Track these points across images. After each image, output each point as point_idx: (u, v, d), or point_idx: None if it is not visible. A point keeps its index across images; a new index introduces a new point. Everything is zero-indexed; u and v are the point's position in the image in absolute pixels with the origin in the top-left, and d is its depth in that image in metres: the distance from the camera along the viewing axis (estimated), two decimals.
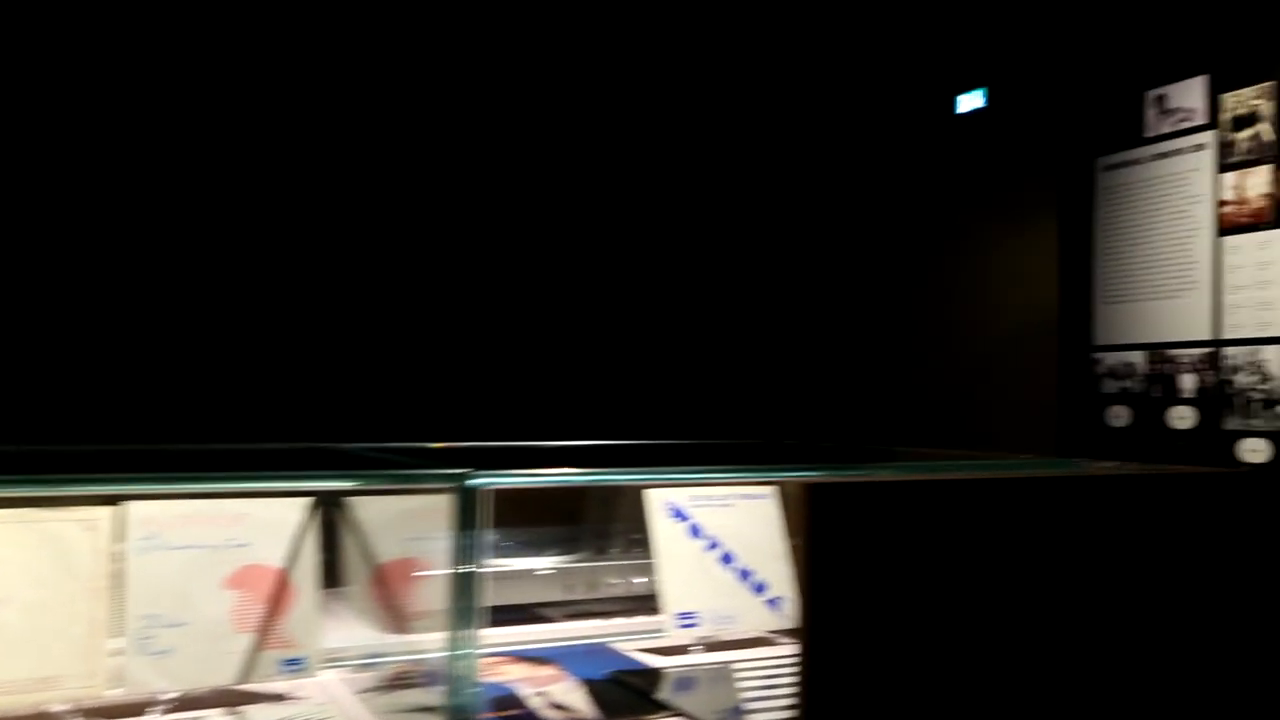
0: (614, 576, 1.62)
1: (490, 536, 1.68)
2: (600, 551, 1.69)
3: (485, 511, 0.96)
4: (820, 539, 1.04)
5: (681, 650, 1.44)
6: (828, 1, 3.38)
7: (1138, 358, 2.67)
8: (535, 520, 1.68)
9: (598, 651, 1.48)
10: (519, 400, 3.05)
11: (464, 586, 0.94)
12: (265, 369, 2.58)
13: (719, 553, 1.48)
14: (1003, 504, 1.05)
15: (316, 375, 2.64)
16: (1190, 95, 2.56)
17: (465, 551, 0.95)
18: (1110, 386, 2.74)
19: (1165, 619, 1.15)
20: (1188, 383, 2.55)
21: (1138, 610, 1.13)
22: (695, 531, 1.48)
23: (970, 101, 2.98)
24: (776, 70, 3.55)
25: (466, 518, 0.94)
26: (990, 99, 2.96)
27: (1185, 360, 2.56)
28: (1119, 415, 2.71)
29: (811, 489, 1.05)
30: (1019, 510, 1.05)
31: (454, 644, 0.94)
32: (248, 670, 1.25)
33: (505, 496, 1.06)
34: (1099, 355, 2.77)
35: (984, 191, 3.13)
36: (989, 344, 3.10)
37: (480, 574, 0.94)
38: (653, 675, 1.37)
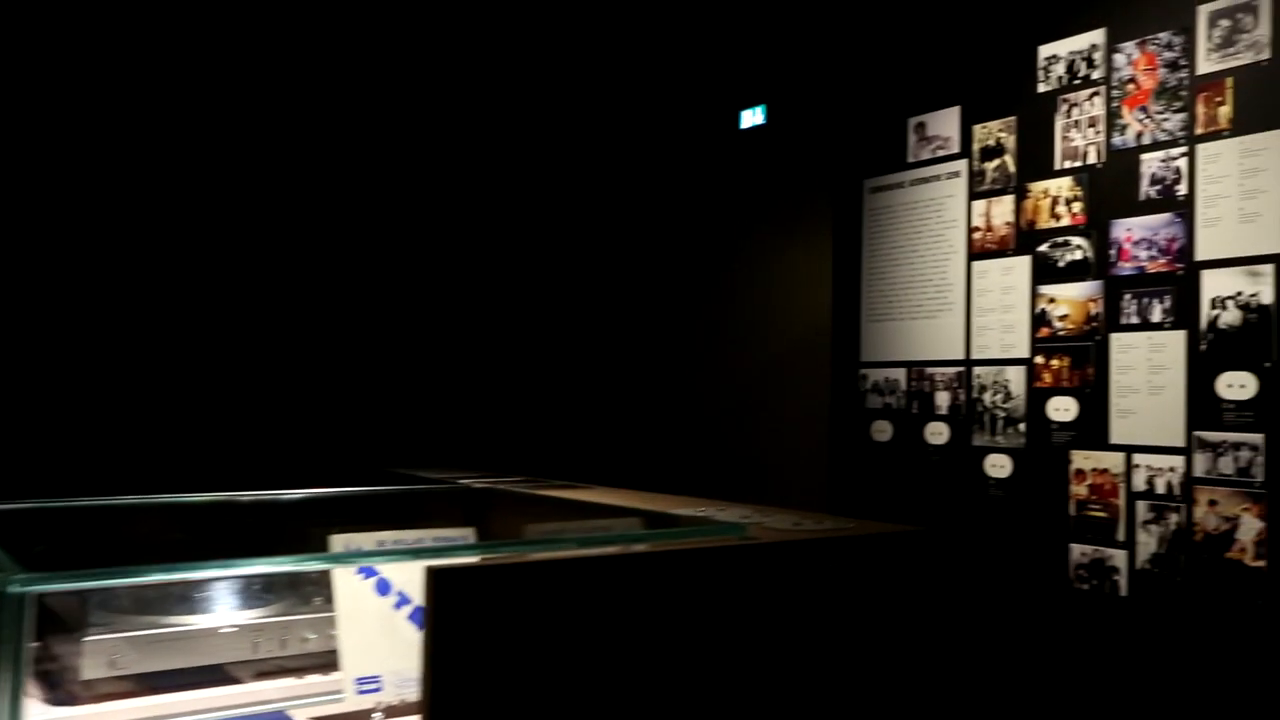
0: (310, 631, 1.52)
1: (173, 588, 1.54)
2: (303, 602, 1.58)
3: (31, 615, 0.84)
4: (441, 620, 0.98)
5: (362, 717, 1.35)
6: (619, 13, 3.33)
7: (900, 374, 2.76)
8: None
9: None
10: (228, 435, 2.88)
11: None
12: None
13: (409, 609, 1.39)
14: (628, 580, 1.01)
15: None
16: (946, 124, 2.65)
17: (10, 661, 0.82)
18: (875, 402, 2.81)
19: (795, 685, 1.14)
20: (943, 400, 2.65)
21: (760, 677, 1.12)
22: (384, 587, 1.39)
23: (752, 118, 2.99)
24: (559, 78, 3.47)
25: (8, 628, 0.81)
26: (770, 116, 2.98)
27: (940, 378, 2.66)
28: (882, 430, 2.79)
29: (434, 573, 0.99)
30: (648, 586, 1.02)
31: None
32: None
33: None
34: (865, 371, 2.84)
35: (764, 208, 3.16)
36: (767, 358, 3.14)
37: (21, 691, 0.82)
38: None
